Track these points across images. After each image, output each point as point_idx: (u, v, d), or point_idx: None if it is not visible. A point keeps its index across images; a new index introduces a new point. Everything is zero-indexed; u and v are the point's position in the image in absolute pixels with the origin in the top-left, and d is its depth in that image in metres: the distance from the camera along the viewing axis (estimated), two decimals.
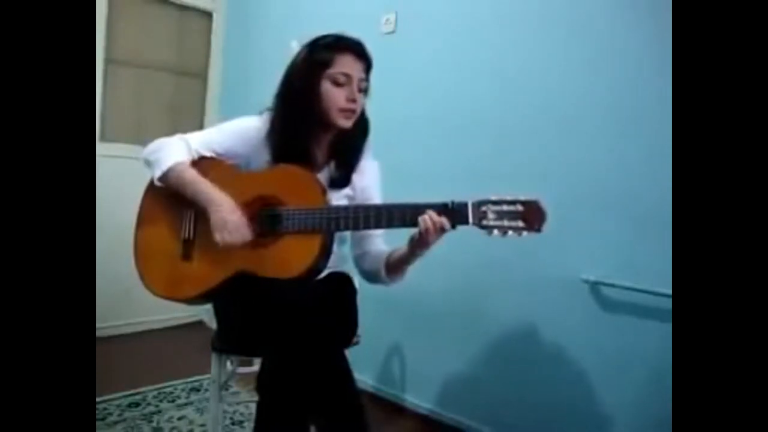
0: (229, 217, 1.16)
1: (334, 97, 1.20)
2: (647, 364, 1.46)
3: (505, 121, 1.80)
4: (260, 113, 1.29)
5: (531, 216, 1.04)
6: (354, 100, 1.21)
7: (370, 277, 1.32)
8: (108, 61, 2.61)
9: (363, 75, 1.23)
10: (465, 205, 1.07)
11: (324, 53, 1.21)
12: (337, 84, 1.20)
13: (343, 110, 1.21)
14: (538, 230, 1.04)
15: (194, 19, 2.93)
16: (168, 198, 1.26)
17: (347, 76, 1.20)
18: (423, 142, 2.02)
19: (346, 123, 1.23)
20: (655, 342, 1.44)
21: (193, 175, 1.21)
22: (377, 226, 1.14)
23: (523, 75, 1.75)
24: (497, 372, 1.81)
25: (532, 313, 1.72)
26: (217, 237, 1.16)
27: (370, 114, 1.32)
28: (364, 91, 1.25)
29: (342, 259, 1.37)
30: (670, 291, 1.37)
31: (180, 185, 1.21)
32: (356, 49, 1.22)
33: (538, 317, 1.71)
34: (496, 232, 1.05)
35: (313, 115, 1.22)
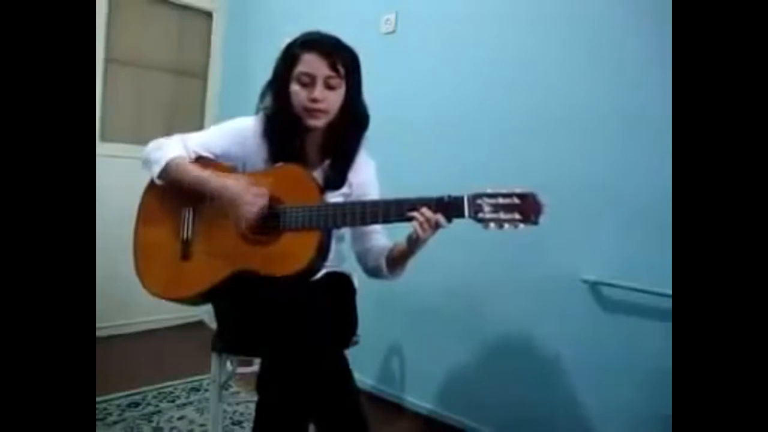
0: (240, 191, 1.15)
1: (299, 97, 1.19)
2: (647, 364, 1.46)
3: (505, 121, 1.80)
4: (256, 113, 1.29)
5: (527, 208, 1.04)
6: (315, 100, 1.18)
7: (372, 272, 1.32)
8: (108, 61, 2.61)
9: (329, 72, 1.18)
10: (461, 198, 1.07)
11: (293, 52, 1.21)
12: (301, 84, 1.19)
13: (307, 110, 1.20)
14: (535, 222, 1.03)
15: (194, 19, 2.93)
16: (167, 198, 1.26)
17: (309, 75, 1.18)
18: (423, 141, 2.02)
19: (314, 122, 1.21)
20: (655, 342, 1.44)
21: (192, 166, 1.21)
22: (373, 221, 1.15)
23: (523, 75, 1.75)
24: (497, 372, 1.81)
25: (532, 313, 1.72)
26: (238, 213, 1.15)
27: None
28: (333, 87, 1.19)
29: (340, 256, 1.38)
30: (670, 291, 1.37)
31: (180, 178, 1.21)
32: (320, 47, 1.19)
33: (538, 317, 1.71)
34: (492, 225, 1.05)
35: (289, 115, 1.22)
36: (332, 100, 1.21)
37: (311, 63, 1.18)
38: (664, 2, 1.28)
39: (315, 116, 1.20)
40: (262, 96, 1.28)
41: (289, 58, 1.22)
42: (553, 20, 1.68)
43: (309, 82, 1.19)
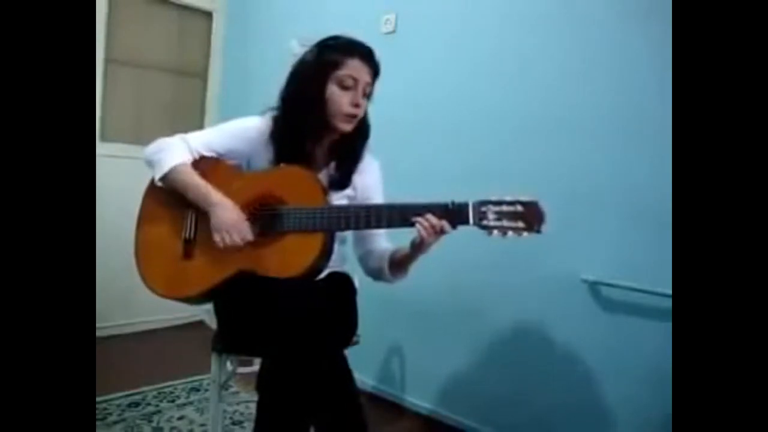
0: (229, 218, 1.16)
1: (339, 100, 1.20)
2: (647, 364, 1.46)
3: (505, 122, 1.80)
4: (262, 113, 1.29)
5: (531, 217, 1.04)
6: (357, 105, 1.20)
7: (374, 275, 1.32)
8: (108, 61, 2.61)
9: (369, 80, 1.22)
10: (465, 205, 1.08)
11: (334, 55, 1.20)
12: (343, 87, 1.20)
13: (347, 115, 1.21)
14: (538, 231, 1.05)
15: (194, 19, 2.93)
16: (169, 197, 1.26)
17: (354, 79, 1.20)
18: (422, 142, 2.02)
19: (346, 127, 1.22)
20: (655, 342, 1.44)
21: (193, 177, 1.21)
22: (377, 226, 1.15)
23: (523, 75, 1.75)
24: (497, 372, 1.81)
25: (532, 313, 1.72)
26: (217, 238, 1.16)
27: (370, 114, 1.32)
28: (368, 96, 1.25)
29: (342, 258, 1.38)
30: (670, 291, 1.37)
31: (180, 187, 1.22)
32: (366, 54, 1.22)
33: (538, 317, 1.71)
34: (496, 232, 1.06)
35: (317, 117, 1.22)
36: (364, 108, 1.24)
37: (357, 68, 1.20)
38: (663, 2, 1.28)
39: (350, 121, 1.22)
40: (286, 95, 1.26)
41: (327, 61, 1.20)
42: (553, 20, 1.68)
43: (352, 85, 1.20)
